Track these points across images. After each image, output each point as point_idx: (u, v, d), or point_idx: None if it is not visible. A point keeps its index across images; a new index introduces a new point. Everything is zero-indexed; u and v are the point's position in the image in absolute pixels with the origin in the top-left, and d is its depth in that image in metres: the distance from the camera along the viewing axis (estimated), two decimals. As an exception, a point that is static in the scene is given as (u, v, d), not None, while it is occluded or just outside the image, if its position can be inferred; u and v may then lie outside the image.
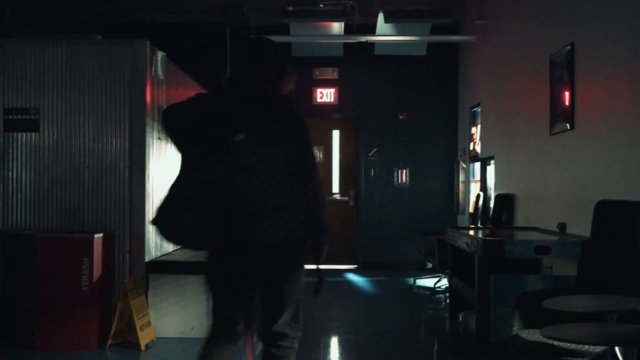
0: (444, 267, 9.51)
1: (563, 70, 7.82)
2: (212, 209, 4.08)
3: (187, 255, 8.48)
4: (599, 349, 4.48)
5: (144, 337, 7.20)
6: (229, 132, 4.00)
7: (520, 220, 9.38)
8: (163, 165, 8.44)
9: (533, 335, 4.83)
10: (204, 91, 4.90)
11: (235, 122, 4.07)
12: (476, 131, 12.38)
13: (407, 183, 14.04)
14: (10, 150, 7.75)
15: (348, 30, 13.14)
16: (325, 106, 14.12)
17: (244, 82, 4.27)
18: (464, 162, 13.15)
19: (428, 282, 11.75)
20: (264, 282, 4.33)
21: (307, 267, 4.40)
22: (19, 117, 7.76)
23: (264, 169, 4.04)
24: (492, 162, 11.19)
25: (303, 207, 4.18)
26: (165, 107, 5.48)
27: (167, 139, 4.80)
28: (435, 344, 8.31)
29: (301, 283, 4.43)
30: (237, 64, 4.35)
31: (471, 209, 12.22)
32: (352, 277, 13.06)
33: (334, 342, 7.93)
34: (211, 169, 4.02)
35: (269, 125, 4.12)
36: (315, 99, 14.09)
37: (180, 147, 4.29)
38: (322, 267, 4.46)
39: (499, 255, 6.78)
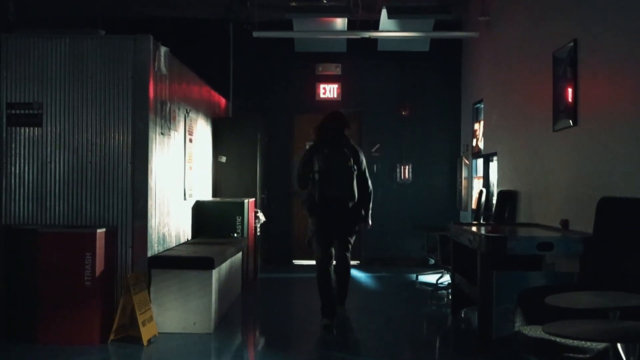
0: (447, 263, 9.51)
1: (566, 66, 7.81)
2: (318, 184, 8.27)
3: (190, 250, 8.51)
4: (601, 345, 4.48)
5: (146, 332, 7.20)
6: (324, 148, 8.33)
7: (522, 217, 9.39)
8: (166, 160, 8.45)
9: (535, 331, 4.83)
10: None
11: (327, 145, 8.37)
12: (479, 127, 12.38)
13: (410, 179, 14.04)
14: (13, 145, 7.76)
15: (351, 26, 13.14)
16: (328, 102, 14.10)
17: (332, 129, 8.45)
18: (467, 159, 13.15)
19: (430, 278, 11.75)
20: (338, 225, 8.39)
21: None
22: (22, 111, 7.77)
23: (338, 167, 8.34)
24: (495, 158, 11.19)
25: (357, 188, 8.45)
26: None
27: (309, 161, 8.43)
28: (438, 340, 8.31)
29: (355, 225, 8.55)
30: (329, 122, 8.50)
31: (474, 205, 12.22)
32: (354, 273, 13.05)
33: (337, 339, 7.93)
34: (320, 165, 8.27)
35: (341, 148, 8.42)
36: (318, 94, 14.09)
37: (310, 160, 8.34)
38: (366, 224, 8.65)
39: (501, 251, 6.78)
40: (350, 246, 8.54)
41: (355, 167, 8.44)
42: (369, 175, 8.70)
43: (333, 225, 8.36)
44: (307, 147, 8.71)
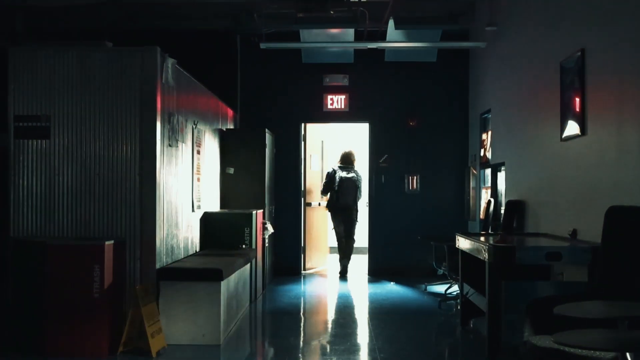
0: (455, 274, 9.49)
1: (574, 76, 7.80)
2: (337, 194, 14.12)
3: (198, 262, 8.51)
4: (610, 354, 4.46)
5: (155, 344, 7.20)
6: (343, 172, 14.15)
7: (531, 227, 9.37)
8: (174, 171, 8.46)
9: (544, 341, 4.82)
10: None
11: (344, 170, 14.17)
12: (487, 137, 12.37)
13: (418, 189, 14.03)
14: (21, 158, 7.78)
15: (358, 37, 13.16)
16: (335, 112, 14.15)
17: (348, 161, 14.34)
18: (475, 169, 13.14)
19: (439, 288, 11.74)
20: (347, 218, 14.15)
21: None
22: (30, 124, 7.79)
23: (350, 183, 14.12)
24: (503, 168, 11.18)
25: (356, 196, 14.25)
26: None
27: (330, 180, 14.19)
28: (447, 350, 8.31)
29: (356, 220, 14.44)
30: (345, 158, 14.38)
31: (482, 215, 12.20)
32: (362, 283, 13.07)
33: (345, 348, 7.92)
34: (339, 181, 14.12)
35: (351, 171, 14.21)
36: (326, 105, 14.11)
37: (333, 178, 14.18)
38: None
39: (509, 261, 6.77)
40: (354, 228, 14.29)
41: (358, 185, 14.26)
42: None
43: (344, 218, 14.11)
44: (331, 168, 14.47)
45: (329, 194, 14.28)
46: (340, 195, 14.05)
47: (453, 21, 12.66)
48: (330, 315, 10.32)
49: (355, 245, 14.57)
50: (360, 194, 14.29)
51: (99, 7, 11.93)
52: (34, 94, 7.82)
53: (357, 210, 14.31)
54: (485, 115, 12.50)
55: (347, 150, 14.62)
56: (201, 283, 7.78)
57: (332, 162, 14.93)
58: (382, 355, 7.54)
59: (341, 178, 14.08)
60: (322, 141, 15.61)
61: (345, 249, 14.23)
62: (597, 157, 7.26)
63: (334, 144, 16.40)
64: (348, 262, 14.19)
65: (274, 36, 12.91)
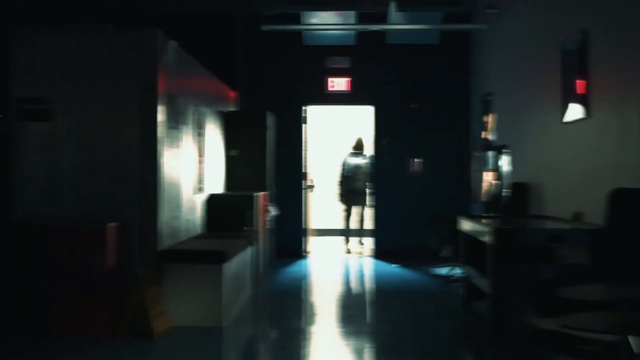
0: (458, 256, 9.50)
1: (576, 58, 7.78)
2: (347, 180, 14.99)
3: (201, 244, 8.52)
4: (612, 337, 4.47)
5: (157, 326, 7.22)
6: (354, 157, 14.99)
7: (534, 209, 9.36)
8: (176, 153, 8.45)
9: (546, 323, 4.82)
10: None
11: (354, 155, 15.00)
12: (489, 119, 12.34)
13: (420, 172, 14.02)
14: (23, 140, 7.76)
15: (360, 19, 13.11)
16: (337, 95, 14.13)
17: (358, 147, 15.08)
18: (477, 151, 13.12)
19: (441, 270, 11.74)
20: (357, 202, 15.05)
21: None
22: (32, 106, 7.77)
23: (357, 168, 14.84)
24: (506, 150, 11.16)
25: (367, 181, 14.79)
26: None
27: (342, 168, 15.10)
28: (449, 332, 8.31)
29: (365, 204, 15.09)
30: (356, 144, 15.10)
31: (484, 198, 12.20)
32: (365, 265, 13.08)
33: (349, 330, 7.94)
34: (348, 167, 14.99)
35: (360, 156, 14.95)
36: (327, 87, 14.08)
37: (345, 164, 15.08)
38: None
39: (512, 243, 6.77)
40: (366, 207, 14.99)
41: (365, 170, 14.84)
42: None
43: (354, 200, 15.03)
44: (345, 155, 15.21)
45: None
46: (350, 180, 14.92)
47: (455, 3, 12.61)
48: (333, 297, 10.31)
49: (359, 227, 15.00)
50: (370, 179, 14.70)
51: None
52: (35, 76, 7.80)
53: (366, 194, 14.92)
54: (488, 97, 12.47)
55: (357, 137, 15.27)
56: (204, 265, 7.78)
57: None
58: (383, 337, 7.56)
59: (349, 164, 14.92)
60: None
61: (357, 230, 15.27)
62: (599, 140, 7.25)
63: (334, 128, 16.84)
64: (361, 246, 15.18)
65: (275, 18, 12.87)
